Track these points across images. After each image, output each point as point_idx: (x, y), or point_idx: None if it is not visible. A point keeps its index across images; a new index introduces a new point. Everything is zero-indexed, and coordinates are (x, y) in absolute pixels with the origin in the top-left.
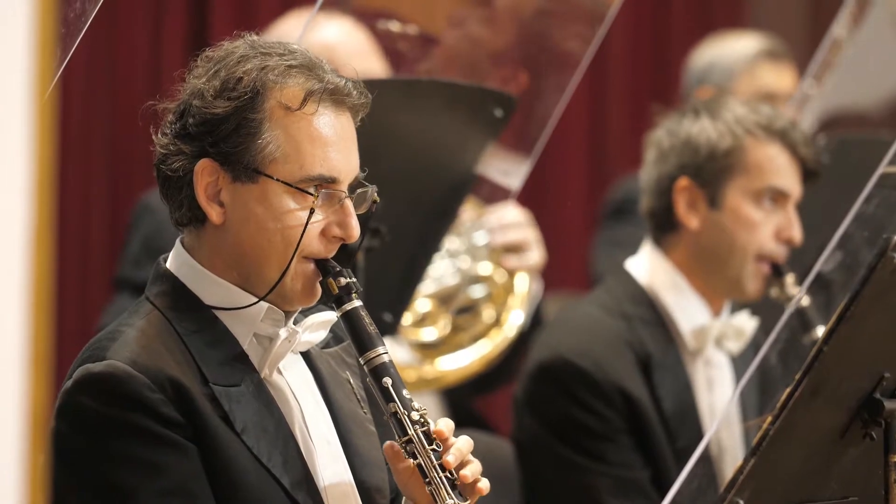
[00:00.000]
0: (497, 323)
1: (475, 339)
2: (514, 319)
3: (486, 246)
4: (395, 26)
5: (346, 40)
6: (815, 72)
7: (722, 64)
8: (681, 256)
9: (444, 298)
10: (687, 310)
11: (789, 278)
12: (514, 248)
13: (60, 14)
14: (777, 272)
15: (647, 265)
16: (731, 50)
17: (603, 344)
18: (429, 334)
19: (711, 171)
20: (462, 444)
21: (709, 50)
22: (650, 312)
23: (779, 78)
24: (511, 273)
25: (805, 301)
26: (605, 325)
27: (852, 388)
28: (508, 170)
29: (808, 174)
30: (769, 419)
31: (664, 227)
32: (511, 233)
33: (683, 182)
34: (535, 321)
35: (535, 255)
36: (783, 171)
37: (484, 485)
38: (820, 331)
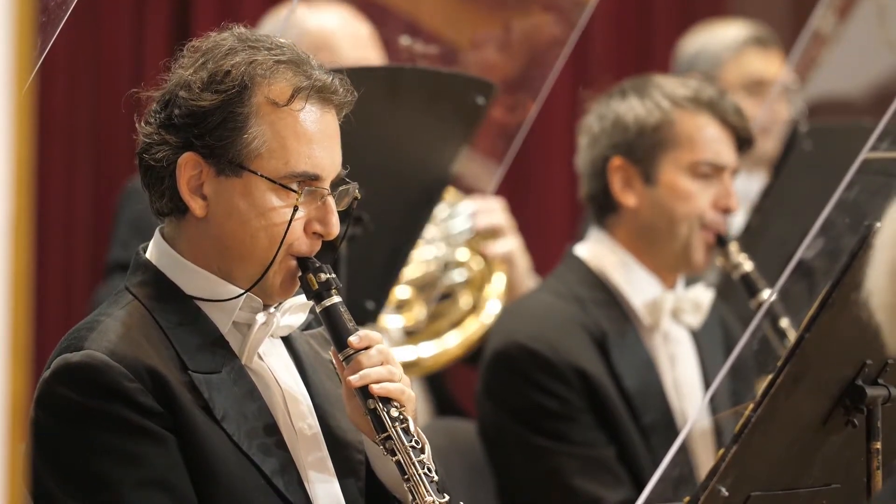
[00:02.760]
0: (474, 309)
1: (453, 325)
2: (492, 307)
3: (462, 233)
4: (419, 45)
5: (344, 28)
6: (797, 66)
7: (709, 51)
8: (624, 235)
9: (421, 286)
10: (638, 286)
11: (733, 246)
12: (492, 233)
13: (41, 2)
14: (720, 241)
15: (594, 248)
16: (718, 37)
17: (556, 327)
18: (405, 321)
19: (643, 147)
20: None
21: (697, 37)
22: (602, 293)
23: (767, 65)
24: (488, 260)
25: (748, 267)
26: (557, 309)
27: (834, 376)
28: (484, 170)
29: (741, 142)
30: (751, 406)
31: (605, 209)
32: (490, 217)
33: (617, 161)
34: None
35: (511, 241)
36: (715, 142)
37: (394, 387)
38: (766, 294)
